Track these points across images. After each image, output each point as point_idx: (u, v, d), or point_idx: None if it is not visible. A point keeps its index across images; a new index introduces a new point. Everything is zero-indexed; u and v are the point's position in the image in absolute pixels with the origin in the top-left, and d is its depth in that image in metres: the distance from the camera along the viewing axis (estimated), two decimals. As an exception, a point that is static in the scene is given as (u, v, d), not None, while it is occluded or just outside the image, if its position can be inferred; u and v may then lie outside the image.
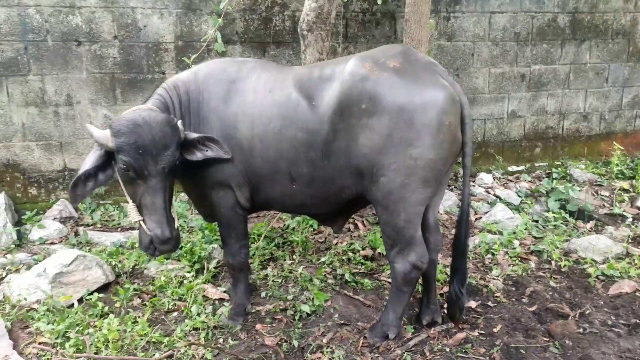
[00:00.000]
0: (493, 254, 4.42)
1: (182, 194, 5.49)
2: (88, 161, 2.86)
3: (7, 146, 5.03)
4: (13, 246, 4.47)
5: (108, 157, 2.87)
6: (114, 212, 5.24)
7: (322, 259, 4.36)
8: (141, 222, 2.91)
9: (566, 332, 3.26)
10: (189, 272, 4.05)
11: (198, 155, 3.00)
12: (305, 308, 3.57)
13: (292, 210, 3.63)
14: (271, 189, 3.21)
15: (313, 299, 3.70)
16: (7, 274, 4.00)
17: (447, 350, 3.12)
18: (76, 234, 4.80)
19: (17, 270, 4.06)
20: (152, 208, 2.82)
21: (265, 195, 3.28)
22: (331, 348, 3.15)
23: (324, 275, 4.08)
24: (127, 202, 2.95)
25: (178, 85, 3.27)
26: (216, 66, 3.33)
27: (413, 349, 3.15)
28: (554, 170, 6.35)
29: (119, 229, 4.93)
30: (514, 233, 4.78)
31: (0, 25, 4.74)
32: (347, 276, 4.04)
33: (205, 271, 4.09)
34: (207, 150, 3.01)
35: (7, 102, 4.92)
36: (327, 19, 4.43)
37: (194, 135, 3.01)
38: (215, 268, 4.18)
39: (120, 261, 4.19)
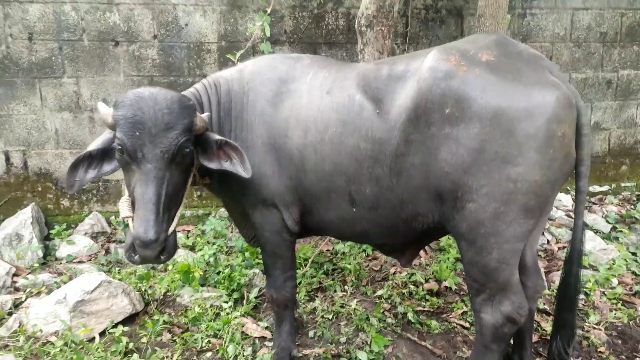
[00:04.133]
0: (587, 294, 3.64)
1: (222, 210, 5.01)
2: (93, 144, 2.39)
3: (40, 154, 4.70)
4: (37, 265, 4.07)
5: (114, 142, 2.33)
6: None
7: (379, 292, 3.73)
8: (129, 220, 2.31)
9: None
10: (227, 301, 3.52)
11: (214, 164, 2.43)
12: (363, 356, 2.96)
13: (351, 238, 3.02)
14: (326, 211, 2.63)
15: (371, 343, 3.08)
16: (27, 298, 3.59)
17: None
18: (107, 252, 4.38)
19: (39, 294, 3.65)
20: (141, 201, 2.19)
21: (318, 218, 2.70)
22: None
23: (382, 312, 3.45)
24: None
25: (219, 82, 2.76)
26: (265, 63, 2.79)
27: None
28: (645, 191, 5.45)
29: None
30: (610, 268, 3.98)
31: (35, 24, 4.42)
32: (410, 315, 3.39)
33: (245, 301, 3.55)
34: (226, 161, 2.43)
35: (40, 106, 4.59)
36: (389, 12, 3.83)
37: (214, 135, 2.45)
38: (256, 298, 3.63)
39: (150, 286, 3.71)
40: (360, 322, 3.32)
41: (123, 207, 2.35)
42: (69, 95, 4.62)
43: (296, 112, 2.55)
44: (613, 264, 4.02)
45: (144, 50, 4.64)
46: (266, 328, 3.30)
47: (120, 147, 2.23)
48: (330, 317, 3.43)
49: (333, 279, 3.95)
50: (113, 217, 4.84)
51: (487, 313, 2.35)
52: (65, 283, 3.63)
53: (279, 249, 2.79)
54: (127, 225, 2.37)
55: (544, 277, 3.16)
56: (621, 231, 4.62)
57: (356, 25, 3.97)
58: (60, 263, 4.16)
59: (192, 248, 4.40)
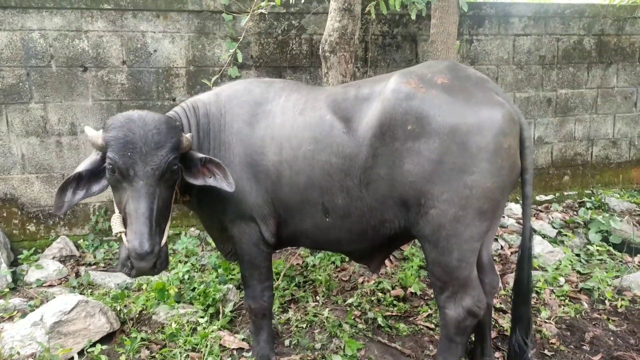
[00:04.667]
0: (538, 293, 3.98)
1: (192, 229, 5.10)
2: (81, 165, 2.53)
3: (5, 179, 4.67)
4: (7, 290, 4.04)
5: (103, 162, 2.48)
6: (118, 249, 4.83)
7: (349, 300, 3.93)
8: (122, 235, 2.43)
9: (644, 388, 2.81)
10: (203, 317, 3.62)
11: (199, 180, 2.61)
12: (337, 359, 3.13)
13: (324, 246, 3.23)
14: (301, 221, 2.83)
15: (344, 347, 3.26)
16: (-1, 323, 3.57)
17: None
18: (77, 275, 4.38)
19: (11, 318, 3.63)
20: (134, 216, 2.32)
21: (294, 229, 2.89)
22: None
23: (354, 319, 3.65)
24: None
25: (197, 105, 2.94)
26: (240, 87, 3.00)
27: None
28: (586, 199, 5.95)
29: (124, 268, 4.50)
30: (557, 269, 4.35)
31: (2, 50, 4.46)
32: (380, 320, 3.60)
33: (220, 316, 3.65)
34: (209, 177, 2.61)
35: (7, 131, 4.59)
36: (351, 39, 4.14)
37: (198, 154, 2.64)
38: (231, 312, 3.74)
39: (125, 306, 3.76)
40: (333, 329, 3.49)
41: (115, 223, 2.47)
42: (36, 120, 4.65)
43: (271, 131, 2.76)
44: (560, 264, 4.40)
45: (113, 75, 4.74)
46: (243, 339, 3.42)
47: (111, 166, 2.37)
48: (304, 326, 3.59)
49: (305, 291, 4.12)
50: (81, 241, 4.84)
51: (451, 309, 2.60)
52: (37, 307, 3.64)
53: (257, 260, 2.96)
54: (120, 240, 2.50)
55: (499, 278, 3.45)
56: (566, 235, 5.05)
57: (320, 51, 4.24)
58: (31, 287, 4.13)
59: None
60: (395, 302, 3.91)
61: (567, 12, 5.90)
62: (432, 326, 3.60)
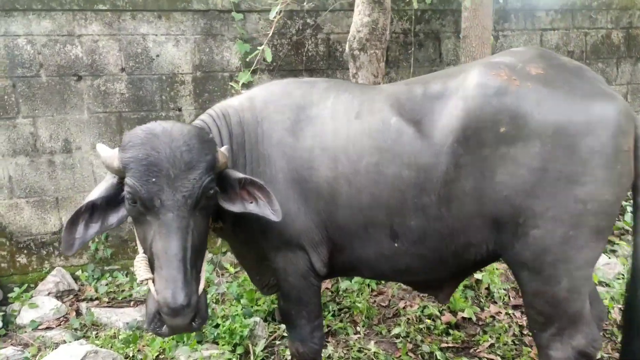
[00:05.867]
0: (608, 313, 3.53)
1: (210, 254, 4.56)
2: (95, 192, 2.02)
3: (-10, 205, 4.10)
4: (-3, 336, 3.46)
5: (121, 189, 1.98)
6: (123, 280, 4.26)
7: (395, 331, 3.44)
8: (149, 282, 1.92)
9: None
10: (230, 358, 3.10)
11: (237, 206, 2.10)
12: (400, 408, 2.64)
13: (389, 276, 2.71)
14: (362, 248, 2.34)
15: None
16: (-11, 379, 3.00)
17: None
18: (78, 313, 3.82)
19: (3, 373, 3.06)
20: (163, 258, 1.83)
21: (351, 257, 2.40)
22: None
23: (407, 354, 3.16)
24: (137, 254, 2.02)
25: (229, 113, 2.44)
26: (277, 89, 2.52)
27: None
28: (625, 203, 5.56)
29: (132, 303, 3.95)
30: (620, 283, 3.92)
31: (-17, 60, 3.91)
32: (438, 354, 3.11)
33: (252, 356, 3.13)
34: (250, 202, 2.11)
35: (-9, 151, 4.03)
36: (382, 35, 3.68)
37: (236, 173, 2.13)
38: (263, 351, 3.22)
39: (139, 350, 3.22)
40: (385, 366, 3.01)
41: (140, 267, 1.96)
42: (25, 137, 4.09)
43: (321, 141, 2.28)
44: (622, 277, 3.97)
45: (111, 84, 4.21)
46: (282, 385, 2.92)
47: (131, 195, 1.87)
48: (350, 364, 3.10)
49: (342, 320, 3.62)
50: (80, 272, 4.27)
51: (557, 349, 2.12)
52: (34, 356, 3.08)
53: (306, 295, 2.46)
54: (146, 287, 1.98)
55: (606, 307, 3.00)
56: (615, 243, 4.63)
57: (347, 49, 3.78)
58: (25, 331, 3.55)
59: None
60: (448, 331, 3.44)
61: (594, 4, 5.55)
62: (499, 358, 3.13)
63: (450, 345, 3.28)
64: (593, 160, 1.91)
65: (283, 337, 3.44)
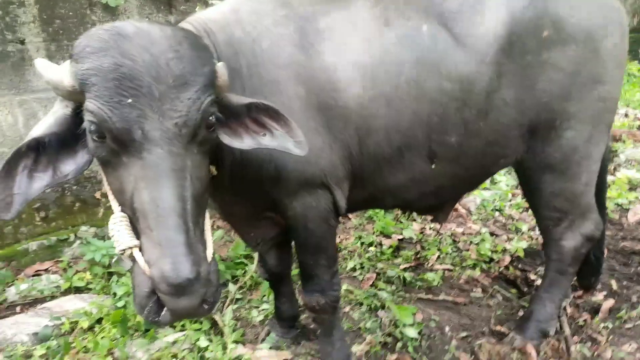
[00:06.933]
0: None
1: (84, 227, 3.61)
2: (39, 126, 1.43)
3: None
4: None
5: (79, 120, 1.40)
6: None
7: (349, 265, 3.35)
8: (135, 252, 1.39)
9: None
10: (198, 337, 2.56)
11: (246, 141, 1.60)
12: (411, 333, 2.62)
13: (412, 202, 2.42)
14: (390, 176, 2.11)
15: (396, 319, 2.73)
16: None
17: (610, 326, 2.64)
18: None
19: None
20: (153, 214, 1.32)
21: (375, 188, 2.16)
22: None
23: (377, 281, 3.13)
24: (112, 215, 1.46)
25: (211, 29, 1.84)
26: None
27: (575, 337, 2.58)
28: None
29: (18, 309, 2.89)
30: None
31: None
32: (407, 276, 3.17)
33: (227, 328, 2.65)
34: (262, 135, 1.61)
35: None
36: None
37: (242, 98, 1.61)
38: (234, 319, 2.77)
39: (75, 361, 2.40)
40: (367, 301, 2.92)
41: (119, 231, 1.40)
42: None
43: (347, 55, 1.91)
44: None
45: None
46: (273, 348, 2.58)
47: (96, 126, 1.31)
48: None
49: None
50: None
51: (568, 239, 2.34)
52: None
53: (325, 240, 2.14)
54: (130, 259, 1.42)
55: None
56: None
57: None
58: None
59: (80, 290, 3.04)
60: (394, 253, 3.52)
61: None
62: (450, 267, 3.35)
63: (406, 266, 3.36)
64: (610, 61, 2.07)
65: (237, 299, 3.02)
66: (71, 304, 2.77)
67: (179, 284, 1.27)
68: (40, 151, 1.42)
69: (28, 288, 2.89)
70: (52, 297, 2.93)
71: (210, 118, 1.44)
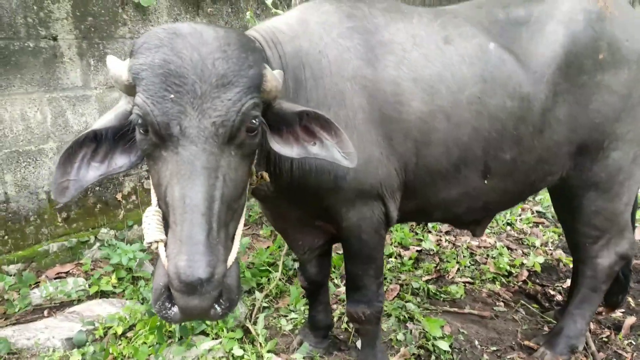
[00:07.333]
0: None
1: (105, 230, 3.55)
2: (101, 120, 1.50)
3: None
4: None
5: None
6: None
7: (372, 275, 3.36)
8: (160, 246, 1.39)
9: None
10: (232, 347, 2.55)
11: (295, 149, 1.59)
12: (443, 345, 2.64)
13: (460, 216, 2.44)
14: (444, 189, 2.15)
15: (425, 332, 2.75)
16: None
17: (634, 342, 2.72)
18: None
19: None
20: (179, 210, 1.31)
21: (428, 201, 2.20)
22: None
23: (402, 292, 3.16)
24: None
25: (279, 40, 1.87)
26: (333, 9, 2.02)
27: (601, 353, 2.65)
28: None
29: (45, 312, 2.81)
30: None
31: None
32: (431, 288, 3.20)
33: (260, 337, 2.64)
34: (312, 144, 1.60)
35: None
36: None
37: (295, 106, 1.61)
38: (266, 328, 2.76)
39: (111, 367, 2.36)
40: (395, 312, 2.94)
41: (150, 224, 1.40)
42: None
43: (409, 70, 1.96)
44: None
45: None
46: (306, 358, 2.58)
47: (141, 119, 1.33)
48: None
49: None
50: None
51: (604, 257, 2.41)
52: None
53: (376, 251, 2.17)
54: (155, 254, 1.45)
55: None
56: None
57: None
58: None
59: (106, 294, 2.98)
60: (415, 265, 3.55)
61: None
62: (470, 280, 3.41)
63: (429, 278, 3.40)
64: (654, 85, 2.16)
65: (264, 307, 3.01)
66: (101, 308, 2.72)
67: (190, 282, 1.24)
68: (99, 143, 1.49)
69: (55, 291, 2.82)
70: (79, 301, 2.87)
71: (253, 121, 1.41)
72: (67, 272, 3.20)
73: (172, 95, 1.31)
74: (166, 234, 1.39)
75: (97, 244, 3.45)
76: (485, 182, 2.15)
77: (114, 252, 3.11)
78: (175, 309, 1.32)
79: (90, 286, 2.92)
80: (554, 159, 2.18)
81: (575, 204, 2.35)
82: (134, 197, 3.67)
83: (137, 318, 2.61)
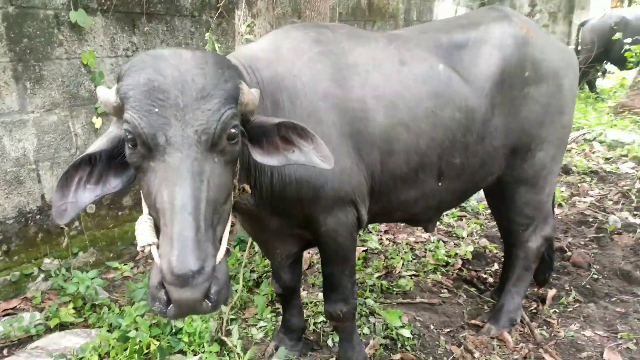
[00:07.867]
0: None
1: (48, 260, 3.37)
2: (95, 144, 1.64)
3: None
4: None
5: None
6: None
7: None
8: (153, 248, 1.51)
9: None
10: (210, 360, 2.61)
11: (275, 158, 1.76)
12: (406, 333, 2.93)
13: (418, 215, 2.70)
14: (405, 192, 2.43)
15: (387, 323, 3.02)
16: None
17: (557, 310, 3.20)
18: None
19: None
20: (168, 212, 1.41)
21: (389, 204, 2.46)
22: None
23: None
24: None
25: (257, 67, 2.03)
26: (301, 35, 2.24)
27: (533, 322, 3.09)
28: None
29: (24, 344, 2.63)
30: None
31: None
32: (384, 284, 3.49)
33: (237, 348, 2.72)
34: (291, 152, 1.76)
35: None
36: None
37: (272, 119, 1.77)
38: (239, 338, 2.84)
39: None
40: (357, 309, 3.17)
41: (143, 230, 1.54)
42: None
43: (372, 89, 2.22)
44: None
45: None
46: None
47: (131, 134, 1.48)
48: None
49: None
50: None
51: (532, 241, 2.86)
52: None
53: (350, 252, 2.41)
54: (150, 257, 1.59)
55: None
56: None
57: (238, -7, 3.39)
58: None
59: (65, 325, 2.86)
60: (364, 264, 3.82)
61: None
62: (415, 272, 3.74)
63: (379, 274, 3.68)
64: (568, 95, 2.64)
65: (232, 319, 3.09)
66: (66, 340, 2.62)
67: (182, 274, 1.33)
68: (94, 166, 1.62)
69: (11, 328, 2.66)
70: (38, 336, 2.74)
71: (233, 130, 1.55)
72: (13, 308, 3.02)
73: (157, 109, 1.45)
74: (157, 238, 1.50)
75: (42, 275, 3.28)
76: (440, 184, 2.46)
77: (69, 282, 2.99)
78: (169, 305, 1.39)
79: (49, 319, 2.79)
80: (493, 161, 2.56)
81: (509, 197, 2.76)
82: (77, 224, 3.53)
83: (111, 345, 2.56)
